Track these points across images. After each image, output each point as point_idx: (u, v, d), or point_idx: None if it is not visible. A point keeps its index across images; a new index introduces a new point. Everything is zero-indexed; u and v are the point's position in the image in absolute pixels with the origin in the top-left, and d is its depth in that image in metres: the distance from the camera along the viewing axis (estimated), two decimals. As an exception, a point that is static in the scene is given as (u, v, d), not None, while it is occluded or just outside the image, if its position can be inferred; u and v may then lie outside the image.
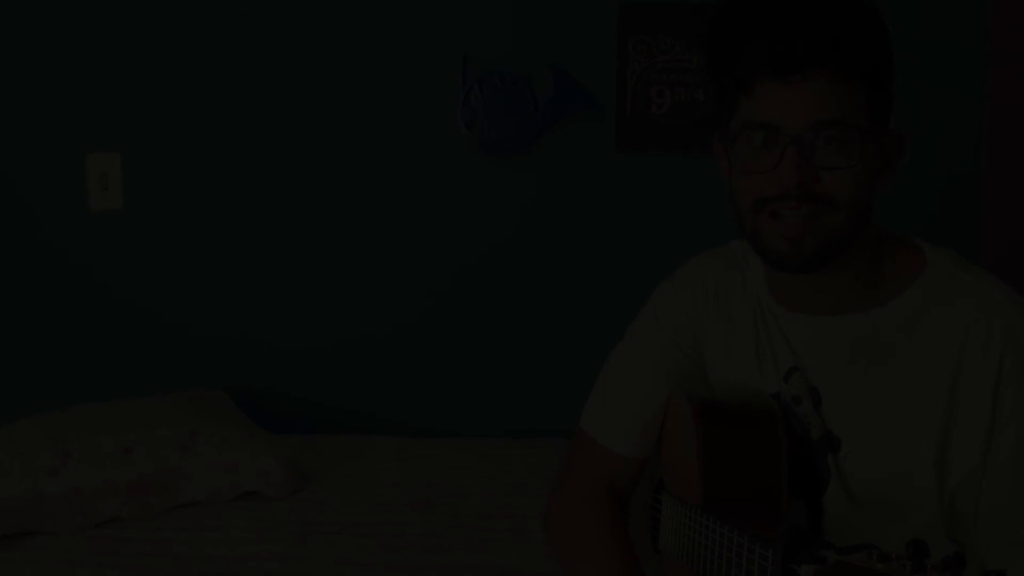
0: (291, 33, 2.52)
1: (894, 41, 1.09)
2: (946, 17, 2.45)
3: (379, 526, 2.01)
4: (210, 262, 2.59)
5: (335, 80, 2.53)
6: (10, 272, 2.57)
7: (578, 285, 2.60)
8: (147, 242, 2.57)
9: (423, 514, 2.06)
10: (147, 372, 2.58)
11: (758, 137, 1.06)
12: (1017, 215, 2.48)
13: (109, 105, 2.52)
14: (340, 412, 2.63)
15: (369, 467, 2.32)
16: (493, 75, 2.50)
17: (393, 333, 2.63)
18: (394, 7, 2.51)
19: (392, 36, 2.52)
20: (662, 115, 2.53)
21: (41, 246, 2.56)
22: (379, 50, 2.52)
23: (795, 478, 1.14)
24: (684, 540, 1.18)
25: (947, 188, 2.48)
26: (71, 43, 2.49)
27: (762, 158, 1.06)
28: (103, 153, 2.53)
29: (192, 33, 2.51)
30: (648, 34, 2.50)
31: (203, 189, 2.56)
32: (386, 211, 2.59)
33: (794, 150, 1.03)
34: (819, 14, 1.04)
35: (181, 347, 2.60)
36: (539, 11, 2.51)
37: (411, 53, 2.52)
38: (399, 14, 2.51)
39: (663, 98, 2.53)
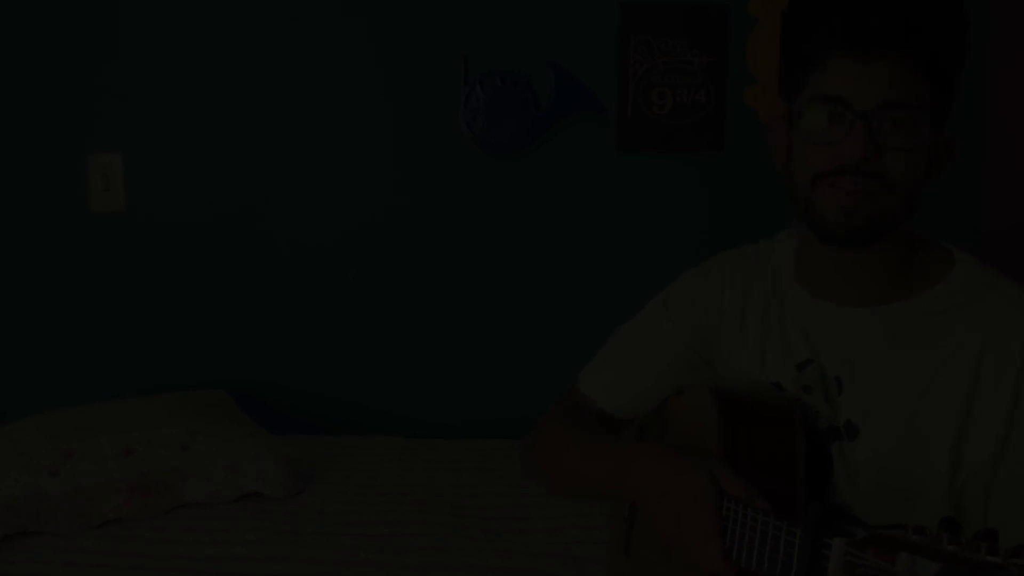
0: (292, 34, 2.52)
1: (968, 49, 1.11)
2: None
3: (380, 526, 2.01)
4: (210, 262, 2.59)
5: (337, 81, 2.53)
6: (12, 272, 2.56)
7: (579, 285, 2.61)
8: (148, 242, 2.57)
9: (424, 514, 2.06)
10: (148, 372, 2.58)
11: (826, 111, 1.09)
12: (1018, 216, 2.48)
13: (110, 106, 2.52)
14: (342, 412, 2.63)
15: (370, 467, 2.32)
16: (494, 75, 2.50)
17: (395, 333, 2.63)
18: (395, 8, 2.51)
19: (393, 37, 2.52)
20: (663, 115, 2.53)
21: (43, 247, 2.56)
22: (380, 51, 2.52)
23: None
24: None
25: (947, 188, 2.47)
26: (72, 44, 2.49)
27: (829, 132, 1.09)
28: (105, 154, 2.53)
29: (193, 34, 2.50)
30: (649, 34, 2.50)
31: (203, 189, 2.56)
32: (388, 211, 2.59)
33: (862, 124, 1.06)
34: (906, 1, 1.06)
35: (183, 347, 2.60)
36: (540, 11, 2.51)
37: (412, 53, 2.53)
38: (400, 15, 2.51)
39: (664, 99, 2.53)
